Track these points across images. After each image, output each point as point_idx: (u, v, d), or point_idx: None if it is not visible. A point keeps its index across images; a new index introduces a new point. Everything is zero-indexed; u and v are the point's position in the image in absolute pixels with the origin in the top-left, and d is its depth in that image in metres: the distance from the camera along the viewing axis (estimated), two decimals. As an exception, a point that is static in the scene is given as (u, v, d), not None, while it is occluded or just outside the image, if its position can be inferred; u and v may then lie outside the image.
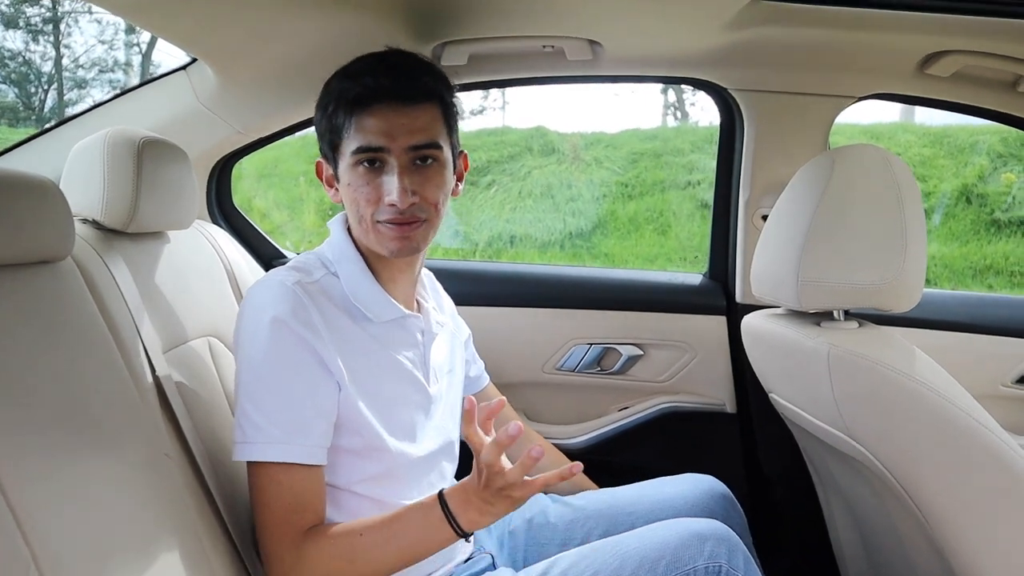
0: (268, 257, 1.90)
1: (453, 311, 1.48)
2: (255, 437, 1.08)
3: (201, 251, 1.49)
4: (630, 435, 1.92)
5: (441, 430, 1.27)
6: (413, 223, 1.12)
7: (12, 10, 13.28)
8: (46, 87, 13.81)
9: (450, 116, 1.16)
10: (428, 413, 1.25)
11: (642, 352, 1.94)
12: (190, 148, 1.48)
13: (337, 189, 1.19)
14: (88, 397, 0.96)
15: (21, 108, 13.54)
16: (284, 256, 1.95)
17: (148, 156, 1.23)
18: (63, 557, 0.81)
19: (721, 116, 1.91)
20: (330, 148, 1.15)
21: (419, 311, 1.28)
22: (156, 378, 1.13)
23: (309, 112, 1.74)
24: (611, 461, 1.84)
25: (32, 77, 13.63)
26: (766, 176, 1.82)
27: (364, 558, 1.07)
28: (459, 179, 1.24)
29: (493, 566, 1.29)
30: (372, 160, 1.11)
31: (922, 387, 1.09)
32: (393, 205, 1.10)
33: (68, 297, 1.03)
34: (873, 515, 1.35)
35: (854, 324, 1.26)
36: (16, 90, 13.59)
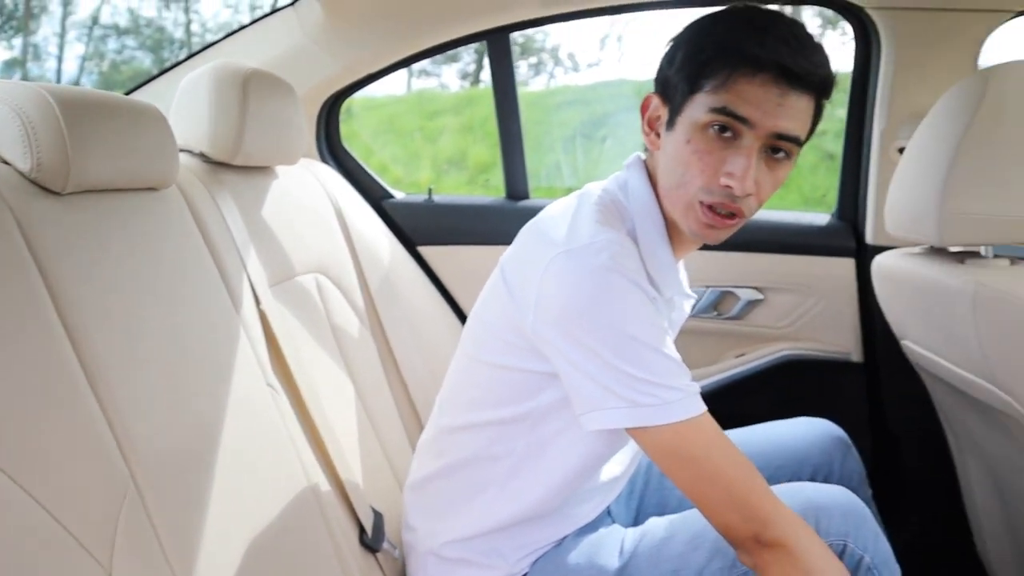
0: (377, 197, 1.90)
1: None
2: (668, 396, 0.92)
3: (309, 189, 1.49)
4: (747, 383, 1.83)
5: None
6: (732, 218, 0.98)
7: (143, -24, 13.92)
8: (178, 52, 14.46)
9: (818, 116, 1.00)
10: None
11: (762, 296, 1.84)
12: (298, 85, 1.48)
13: (659, 134, 1.03)
14: (191, 324, 0.97)
15: (156, 74, 14.25)
16: (393, 196, 1.94)
17: (254, 88, 1.23)
18: (161, 479, 0.81)
19: (856, 41, 1.76)
20: (687, 87, 0.97)
21: None
22: (261, 311, 1.13)
23: (417, 46, 1.74)
24: (726, 411, 1.77)
25: (165, 43, 14.29)
26: (904, 105, 1.67)
27: None
28: None
29: (610, 517, 1.24)
30: (726, 128, 0.94)
31: None
32: (730, 187, 0.94)
33: (173, 225, 1.03)
34: (1018, 479, 1.25)
35: (1005, 262, 1.15)
36: (152, 56, 14.30)
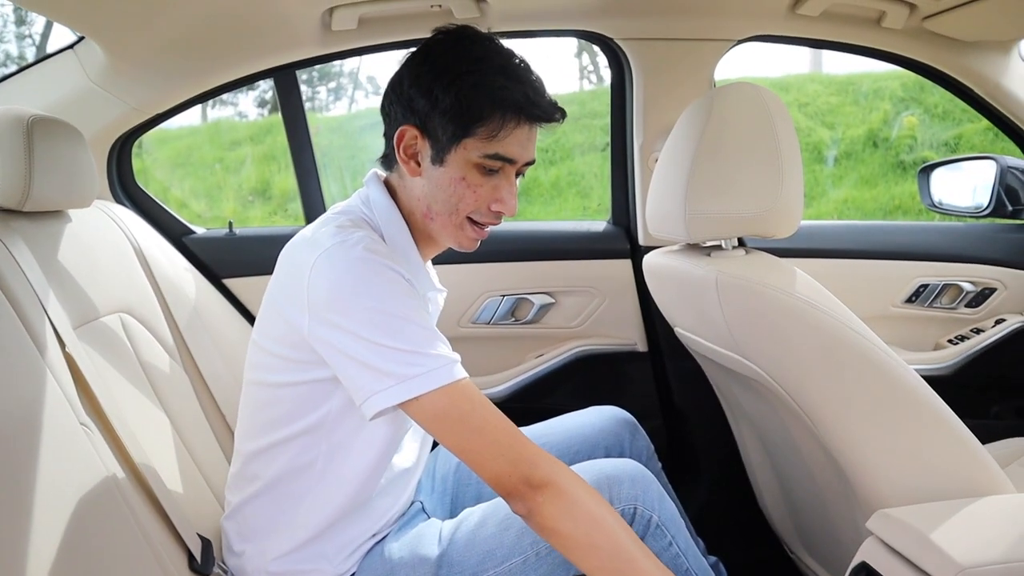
0: (177, 234, 1.90)
1: None
2: (432, 364, 1.02)
3: (106, 230, 1.49)
4: (547, 380, 1.98)
5: None
6: (489, 227, 1.18)
7: None
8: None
9: None
10: None
11: (553, 300, 2.00)
12: (85, 128, 1.47)
13: (419, 164, 1.15)
14: None
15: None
16: (193, 232, 1.95)
17: (39, 134, 1.23)
18: None
19: (611, 66, 1.96)
20: (459, 132, 1.09)
21: None
22: (67, 353, 1.14)
23: (203, 86, 1.76)
24: (531, 407, 1.91)
25: (-80, 78, 12.86)
26: (657, 121, 1.88)
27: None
28: None
29: (425, 514, 1.32)
30: (497, 168, 1.12)
31: (801, 303, 1.14)
32: (500, 212, 1.15)
33: None
34: (775, 434, 1.42)
35: (741, 252, 1.32)
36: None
